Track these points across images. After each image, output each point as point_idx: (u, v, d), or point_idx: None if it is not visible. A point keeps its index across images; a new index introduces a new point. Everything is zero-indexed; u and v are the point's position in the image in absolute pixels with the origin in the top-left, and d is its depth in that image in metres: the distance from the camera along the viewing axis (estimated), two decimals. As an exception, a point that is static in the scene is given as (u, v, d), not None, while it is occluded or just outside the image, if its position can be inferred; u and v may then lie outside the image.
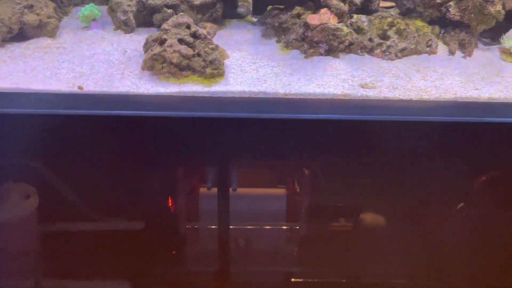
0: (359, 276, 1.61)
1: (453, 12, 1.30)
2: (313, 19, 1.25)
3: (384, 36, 1.30)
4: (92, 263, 1.60)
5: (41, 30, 1.31)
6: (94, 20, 1.38)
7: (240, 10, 1.56)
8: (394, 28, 1.31)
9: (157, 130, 1.13)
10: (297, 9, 1.32)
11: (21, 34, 1.29)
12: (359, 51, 1.30)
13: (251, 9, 1.52)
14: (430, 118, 1.12)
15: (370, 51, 1.30)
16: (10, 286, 1.55)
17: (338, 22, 1.27)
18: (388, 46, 1.29)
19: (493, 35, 1.39)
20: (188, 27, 1.18)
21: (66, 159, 1.24)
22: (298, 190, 1.60)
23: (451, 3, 1.30)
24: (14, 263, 1.57)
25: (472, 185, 1.29)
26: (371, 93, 1.16)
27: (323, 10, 1.25)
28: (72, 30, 1.39)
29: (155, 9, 1.35)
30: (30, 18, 1.27)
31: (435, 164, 1.20)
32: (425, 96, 1.16)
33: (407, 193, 1.36)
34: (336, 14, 1.25)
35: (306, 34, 1.27)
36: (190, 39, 1.17)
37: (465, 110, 1.16)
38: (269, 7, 1.40)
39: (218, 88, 1.15)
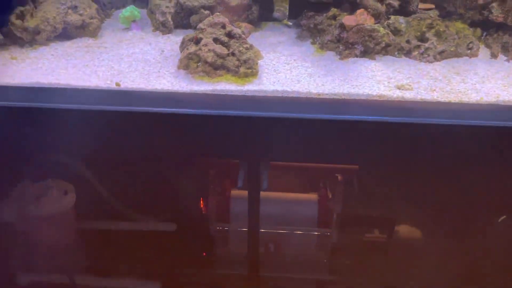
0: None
1: (496, 13, 1.26)
2: (349, 20, 1.24)
3: (423, 38, 1.27)
4: (123, 261, 1.63)
5: (84, 30, 1.36)
6: (134, 21, 1.42)
7: (276, 14, 1.57)
8: (433, 30, 1.28)
9: (188, 128, 1.14)
10: (333, 11, 1.31)
11: (64, 34, 1.34)
12: (396, 53, 1.27)
13: (287, 13, 1.52)
14: (471, 122, 1.08)
15: (408, 53, 1.27)
16: (43, 279, 1.60)
17: (375, 23, 1.25)
18: (427, 48, 1.26)
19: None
20: (224, 26, 1.20)
21: (102, 155, 1.28)
22: (330, 195, 1.57)
23: (494, 4, 1.26)
24: (49, 257, 1.61)
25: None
26: (408, 95, 1.13)
27: (360, 11, 1.24)
28: (113, 31, 1.44)
29: (192, 11, 1.37)
30: (74, 18, 1.33)
31: (474, 171, 1.15)
32: (465, 99, 1.12)
33: (447, 201, 1.31)
34: (373, 15, 1.24)
35: (341, 35, 1.26)
36: (225, 39, 1.19)
37: (509, 114, 1.10)
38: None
39: (251, 87, 1.15)
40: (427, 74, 1.21)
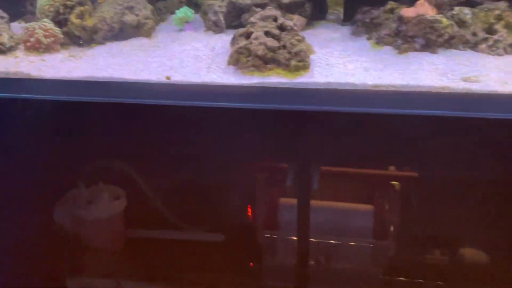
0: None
1: None
2: (409, 11, 1.17)
3: (490, 30, 1.17)
4: (167, 268, 1.60)
5: (139, 30, 1.39)
6: (187, 22, 1.43)
7: (330, 17, 1.53)
8: (502, 22, 1.17)
9: (234, 124, 1.10)
10: (391, 4, 1.25)
11: (120, 33, 1.37)
12: (460, 46, 1.18)
13: (342, 16, 1.48)
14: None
15: (474, 46, 1.17)
16: (86, 281, 1.60)
17: (437, 14, 1.17)
18: (496, 41, 1.16)
19: None
20: (275, 19, 1.17)
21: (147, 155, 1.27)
22: (387, 206, 1.47)
23: None
24: (95, 261, 1.62)
25: None
26: (475, 87, 1.03)
27: (420, 1, 1.16)
28: (167, 32, 1.46)
29: (244, 9, 1.36)
30: (130, 18, 1.36)
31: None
32: (542, 91, 1.00)
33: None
34: (435, 6, 1.16)
35: (400, 28, 1.19)
36: (276, 31, 1.15)
37: None
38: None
39: (302, 80, 1.11)
40: (496, 67, 1.11)
